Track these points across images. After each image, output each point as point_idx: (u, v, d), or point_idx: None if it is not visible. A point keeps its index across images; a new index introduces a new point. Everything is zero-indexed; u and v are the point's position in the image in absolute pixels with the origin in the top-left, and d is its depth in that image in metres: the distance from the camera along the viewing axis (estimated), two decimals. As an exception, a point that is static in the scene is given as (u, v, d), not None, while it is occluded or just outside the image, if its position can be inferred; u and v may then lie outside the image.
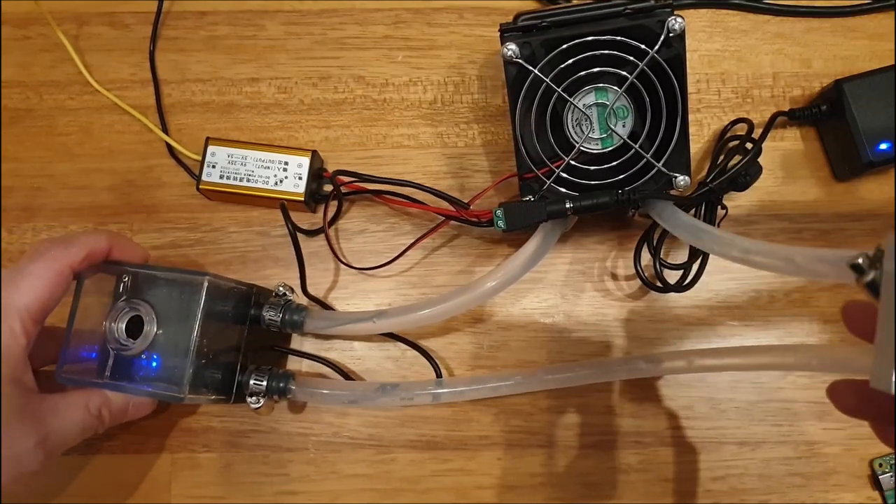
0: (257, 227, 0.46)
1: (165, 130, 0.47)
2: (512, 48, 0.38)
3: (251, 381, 0.40)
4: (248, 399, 0.40)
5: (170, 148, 0.46)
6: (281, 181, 0.43)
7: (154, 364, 0.37)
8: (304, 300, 0.44)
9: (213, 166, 0.44)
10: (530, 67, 0.38)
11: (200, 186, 0.44)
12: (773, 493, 0.43)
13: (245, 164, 0.44)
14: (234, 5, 0.48)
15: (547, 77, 0.38)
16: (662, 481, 0.43)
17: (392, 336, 0.44)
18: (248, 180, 0.44)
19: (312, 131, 0.47)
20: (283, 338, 0.44)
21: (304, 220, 0.46)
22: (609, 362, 0.43)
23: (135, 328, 0.37)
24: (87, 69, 0.47)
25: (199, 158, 0.44)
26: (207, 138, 0.44)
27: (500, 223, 0.40)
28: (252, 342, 0.41)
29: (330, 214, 0.45)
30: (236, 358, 0.40)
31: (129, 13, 0.48)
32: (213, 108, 0.47)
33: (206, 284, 0.36)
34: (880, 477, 0.43)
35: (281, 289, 0.42)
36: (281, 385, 0.40)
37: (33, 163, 0.47)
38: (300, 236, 0.44)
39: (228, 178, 0.44)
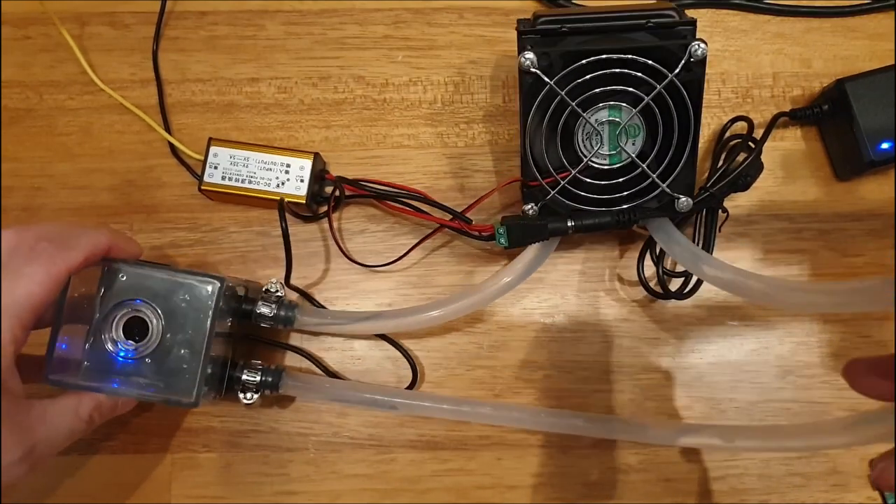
0: (257, 227, 0.46)
1: (168, 130, 0.47)
2: (530, 58, 0.36)
3: (244, 377, 0.40)
4: (242, 395, 0.40)
5: (172, 148, 0.46)
6: (283, 183, 0.43)
7: (158, 367, 0.36)
8: (292, 295, 0.44)
9: (215, 167, 0.44)
10: (547, 79, 0.37)
11: (202, 187, 0.44)
12: (773, 493, 0.43)
13: (247, 166, 0.44)
14: (234, 5, 0.48)
15: (562, 90, 0.37)
16: (662, 481, 0.43)
17: (379, 336, 0.45)
18: (250, 182, 0.44)
19: (312, 131, 0.47)
20: (264, 331, 0.44)
21: (305, 223, 0.46)
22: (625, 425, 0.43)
23: (133, 329, 0.36)
24: (89, 69, 0.47)
25: (201, 158, 0.44)
26: (210, 139, 0.44)
27: (502, 240, 0.40)
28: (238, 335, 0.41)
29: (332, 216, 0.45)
30: (228, 353, 0.39)
31: (130, 13, 0.48)
32: (214, 108, 0.47)
33: (219, 288, 0.36)
34: (880, 477, 0.43)
35: (273, 285, 0.41)
36: (272, 380, 0.40)
37: (33, 163, 0.47)
38: (299, 231, 0.44)
39: (230, 179, 0.44)
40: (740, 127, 0.45)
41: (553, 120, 0.39)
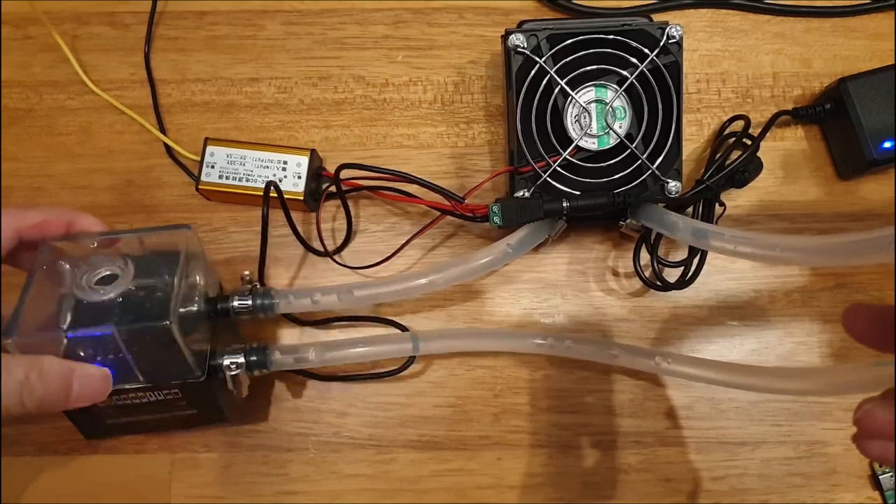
0: (257, 227, 0.45)
1: (163, 131, 0.47)
2: (519, 38, 0.39)
3: (226, 362, 0.38)
4: (229, 377, 0.37)
5: (168, 148, 0.46)
6: (280, 181, 0.43)
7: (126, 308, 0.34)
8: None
9: (212, 166, 0.44)
10: (536, 58, 0.39)
11: (199, 186, 0.44)
12: (773, 493, 0.43)
13: (244, 164, 0.44)
14: (234, 5, 0.48)
15: (551, 70, 0.39)
16: (662, 481, 0.43)
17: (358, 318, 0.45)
18: (247, 180, 0.44)
19: (312, 131, 0.47)
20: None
21: (302, 220, 0.46)
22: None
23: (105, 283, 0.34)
24: (87, 69, 0.47)
25: (198, 158, 0.44)
26: (206, 139, 0.44)
27: (496, 219, 0.40)
28: (225, 333, 0.39)
29: (328, 215, 0.45)
30: (207, 342, 0.37)
31: (129, 13, 0.48)
32: (213, 108, 0.47)
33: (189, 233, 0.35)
34: (880, 477, 0.43)
35: (246, 276, 0.40)
36: (256, 359, 0.39)
37: (33, 163, 0.47)
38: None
39: (227, 178, 0.44)
40: (740, 126, 0.45)
41: (542, 103, 0.40)
